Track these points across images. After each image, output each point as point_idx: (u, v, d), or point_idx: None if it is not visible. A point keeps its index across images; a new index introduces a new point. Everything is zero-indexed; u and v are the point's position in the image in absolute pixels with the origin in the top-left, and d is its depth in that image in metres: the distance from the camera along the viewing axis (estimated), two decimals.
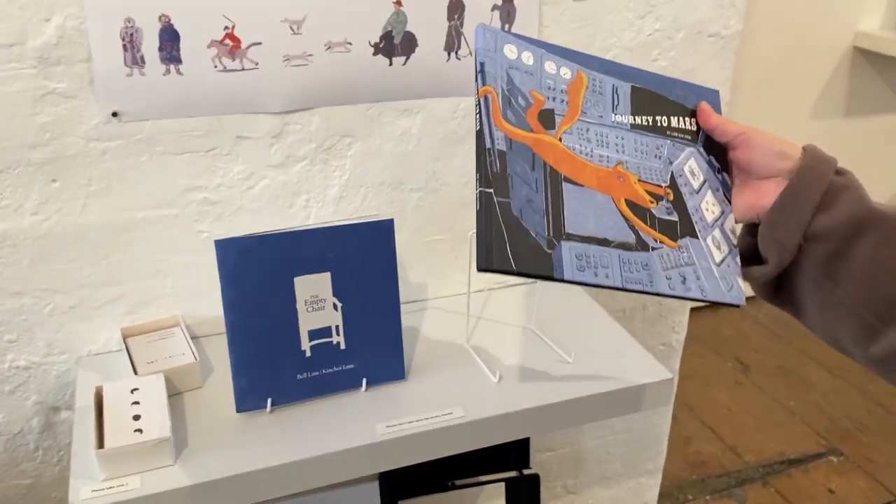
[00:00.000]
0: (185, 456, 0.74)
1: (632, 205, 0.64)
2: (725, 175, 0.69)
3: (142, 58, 0.78)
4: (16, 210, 0.80)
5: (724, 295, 0.64)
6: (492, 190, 0.57)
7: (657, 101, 0.68)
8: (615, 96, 0.66)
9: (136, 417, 0.75)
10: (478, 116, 0.60)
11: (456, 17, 0.87)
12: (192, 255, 0.89)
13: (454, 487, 1.08)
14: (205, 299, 0.91)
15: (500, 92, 0.60)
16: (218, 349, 0.88)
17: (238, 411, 0.79)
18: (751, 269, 0.66)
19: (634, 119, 0.67)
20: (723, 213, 0.68)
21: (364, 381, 0.83)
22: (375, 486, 1.03)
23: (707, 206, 0.67)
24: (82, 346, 0.89)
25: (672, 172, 0.67)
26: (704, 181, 0.68)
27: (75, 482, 0.71)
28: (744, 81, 1.99)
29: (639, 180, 0.65)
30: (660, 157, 0.67)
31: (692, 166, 0.68)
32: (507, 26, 0.89)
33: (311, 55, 0.83)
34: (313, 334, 0.81)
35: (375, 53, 0.85)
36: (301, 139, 0.88)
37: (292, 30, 0.81)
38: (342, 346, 0.82)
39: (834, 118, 2.24)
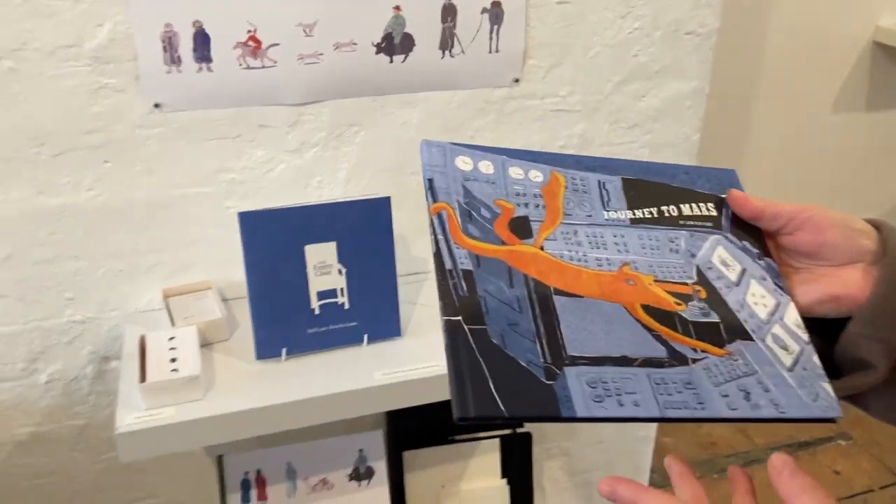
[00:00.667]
0: (213, 393, 0.87)
1: (652, 310, 0.52)
2: (769, 260, 0.57)
3: (179, 57, 0.91)
4: (74, 187, 0.94)
5: (810, 407, 0.49)
6: (460, 318, 0.47)
7: (659, 191, 0.58)
8: (603, 192, 0.57)
9: (173, 360, 0.89)
10: (433, 237, 0.51)
11: (449, 19, 0.98)
12: (221, 227, 1.01)
13: (453, 441, 1.20)
14: (233, 266, 1.02)
15: (455, 207, 0.51)
16: (243, 309, 0.99)
17: (257, 359, 0.92)
18: (851, 379, 0.52)
19: (634, 213, 0.56)
20: (778, 304, 0.54)
21: (365, 336, 0.95)
22: (381, 434, 1.15)
23: (755, 300, 0.54)
24: (129, 305, 1.02)
25: (697, 266, 0.55)
26: (743, 270, 0.55)
27: (121, 411, 0.85)
28: (763, 77, 2.05)
29: (655, 280, 0.53)
30: (677, 251, 0.55)
31: (722, 256, 0.56)
32: (495, 27, 1.00)
33: (321, 54, 0.95)
34: (321, 295, 0.93)
35: (378, 52, 0.97)
36: (314, 128, 0.99)
37: (305, 32, 0.94)
38: (346, 306, 0.94)
39: (855, 112, 2.28)
